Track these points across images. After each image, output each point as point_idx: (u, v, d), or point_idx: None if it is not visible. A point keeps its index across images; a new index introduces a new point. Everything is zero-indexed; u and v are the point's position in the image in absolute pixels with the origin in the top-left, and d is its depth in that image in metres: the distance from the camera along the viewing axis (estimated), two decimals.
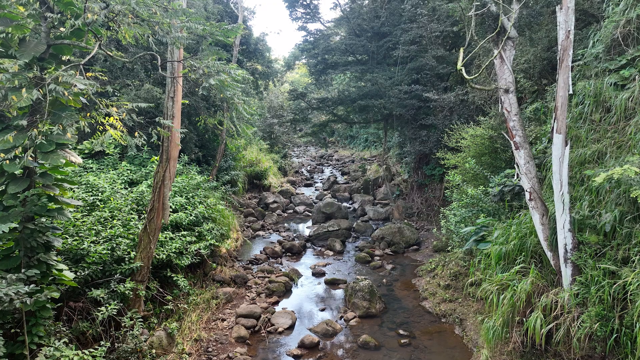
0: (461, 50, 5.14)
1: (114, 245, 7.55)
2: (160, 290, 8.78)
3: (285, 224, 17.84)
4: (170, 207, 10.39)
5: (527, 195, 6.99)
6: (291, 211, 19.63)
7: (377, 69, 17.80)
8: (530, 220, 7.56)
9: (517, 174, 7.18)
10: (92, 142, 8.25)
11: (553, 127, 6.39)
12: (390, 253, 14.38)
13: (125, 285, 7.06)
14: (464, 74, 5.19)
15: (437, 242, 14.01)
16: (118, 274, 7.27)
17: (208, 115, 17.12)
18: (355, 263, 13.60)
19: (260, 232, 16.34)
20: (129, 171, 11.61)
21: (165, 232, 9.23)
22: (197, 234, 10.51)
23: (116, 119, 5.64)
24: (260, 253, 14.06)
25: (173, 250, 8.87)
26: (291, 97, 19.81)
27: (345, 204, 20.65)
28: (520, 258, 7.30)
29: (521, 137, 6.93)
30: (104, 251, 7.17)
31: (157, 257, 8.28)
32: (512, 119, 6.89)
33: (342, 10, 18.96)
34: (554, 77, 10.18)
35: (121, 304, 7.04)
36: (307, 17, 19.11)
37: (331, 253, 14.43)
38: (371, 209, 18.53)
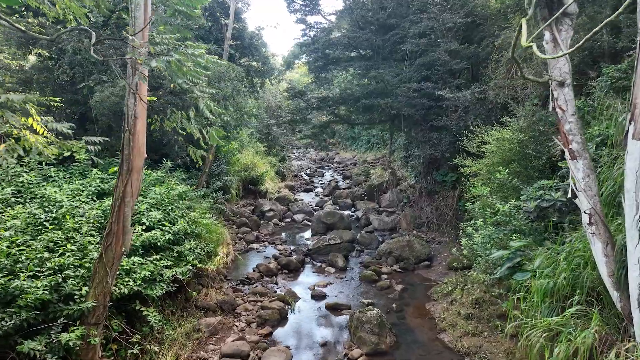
0: (523, 21, 3.62)
1: (61, 278, 5.99)
2: (127, 328, 7.23)
3: (282, 235, 16.29)
4: (144, 223, 8.85)
5: (586, 218, 5.44)
6: (289, 220, 18.07)
7: (382, 65, 16.25)
8: (585, 247, 6.01)
9: (572, 189, 5.63)
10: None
11: (628, 131, 4.83)
12: (399, 270, 12.82)
13: (70, 335, 5.50)
14: (537, 52, 3.67)
15: (452, 259, 12.46)
16: (63, 318, 5.72)
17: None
18: (360, 282, 12.04)
19: (255, 245, 14.79)
20: (100, 180, 10.06)
21: (134, 257, 7.66)
22: (176, 254, 8.97)
23: (38, 122, 4.11)
24: (253, 271, 12.50)
25: (141, 279, 7.31)
26: (289, 96, 18.26)
27: (347, 212, 19.10)
28: (574, 297, 5.74)
29: (579, 143, 5.38)
30: (44, 289, 5.61)
31: (119, 291, 6.71)
32: (568, 119, 5.33)
33: (344, 1, 17.41)
34: (597, 70, 8.65)
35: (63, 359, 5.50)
36: (307, 8, 17.58)
37: (333, 270, 12.87)
38: (376, 218, 16.97)
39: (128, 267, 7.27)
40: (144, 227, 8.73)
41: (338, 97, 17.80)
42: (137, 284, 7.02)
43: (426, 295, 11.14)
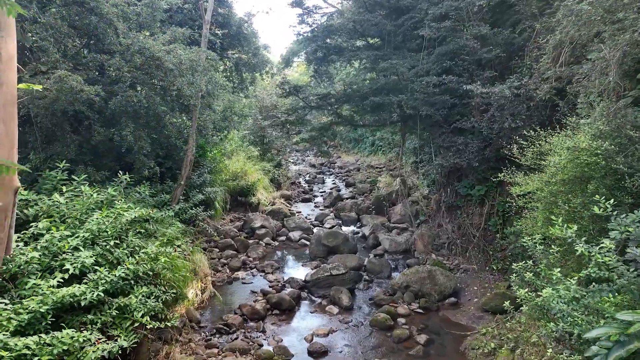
0: None
1: None
2: None
3: (275, 259, 13.63)
4: (68, 270, 6.20)
5: None
6: (283, 238, 15.40)
7: (394, 56, 13.59)
8: None
9: None
10: None
11: None
12: (420, 310, 10.16)
13: None
14: None
15: (487, 298, 9.84)
16: None
17: (172, 117, 12.96)
18: (371, 330, 9.38)
19: (240, 273, 12.14)
20: (21, 202, 7.42)
21: (31, 335, 5.00)
22: (116, 312, 6.32)
23: None
24: (235, 313, 9.85)
25: None
26: (283, 93, 15.62)
27: (352, 228, 16.49)
28: None
29: None
30: None
31: None
32: None
33: None
34: None
35: None
36: None
37: (336, 310, 10.22)
38: (386, 238, 14.31)
39: (15, 355, 4.61)
40: (66, 276, 6.08)
41: (341, 94, 15.17)
42: None
43: (459, 351, 8.51)
